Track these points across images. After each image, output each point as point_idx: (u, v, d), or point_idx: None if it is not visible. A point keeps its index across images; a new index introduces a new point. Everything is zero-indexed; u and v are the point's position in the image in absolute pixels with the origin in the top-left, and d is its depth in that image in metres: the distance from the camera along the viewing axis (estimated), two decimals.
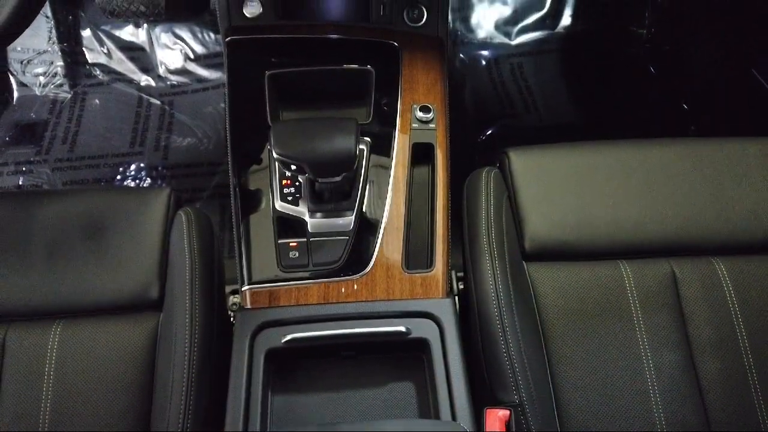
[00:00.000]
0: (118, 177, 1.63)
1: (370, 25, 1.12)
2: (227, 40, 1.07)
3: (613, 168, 1.00)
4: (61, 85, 1.75)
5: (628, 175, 0.99)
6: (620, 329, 0.89)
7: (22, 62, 1.73)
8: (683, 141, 1.04)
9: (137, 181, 1.63)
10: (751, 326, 0.89)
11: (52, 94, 1.75)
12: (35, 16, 0.72)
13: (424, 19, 1.12)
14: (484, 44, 1.88)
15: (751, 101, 1.48)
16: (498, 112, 1.77)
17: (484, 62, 1.87)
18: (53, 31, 1.73)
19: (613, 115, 1.74)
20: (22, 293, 0.88)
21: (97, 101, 1.75)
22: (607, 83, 1.83)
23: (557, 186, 0.98)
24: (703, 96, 1.67)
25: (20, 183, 1.61)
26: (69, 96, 1.75)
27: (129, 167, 1.64)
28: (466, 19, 1.89)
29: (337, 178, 0.88)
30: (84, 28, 1.76)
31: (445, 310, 0.87)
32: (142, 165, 1.65)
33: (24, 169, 1.63)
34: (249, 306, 0.88)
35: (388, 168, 0.98)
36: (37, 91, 1.74)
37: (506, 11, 1.90)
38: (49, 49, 1.73)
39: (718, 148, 1.01)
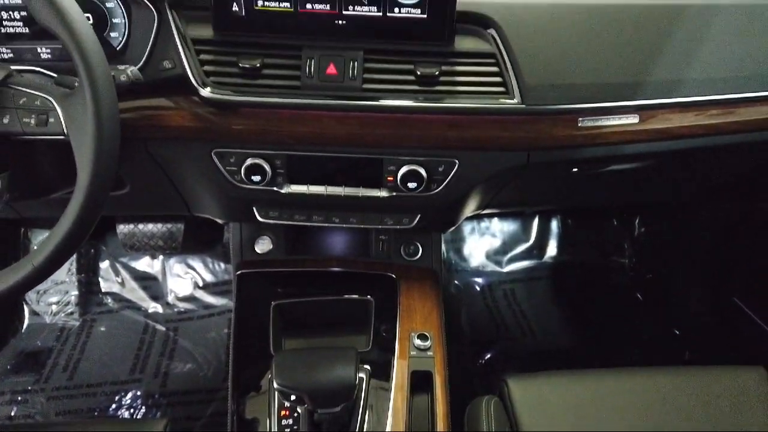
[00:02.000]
0: (114, 406, 1.60)
1: (370, 259, 1.22)
2: (238, 273, 1.16)
3: (614, 398, 1.00)
4: (71, 313, 1.81)
5: (629, 405, 0.99)
6: None
7: (38, 292, 1.82)
8: (680, 370, 1.06)
9: (132, 410, 1.59)
10: None
11: (61, 322, 1.80)
12: (70, 257, 0.80)
13: (419, 254, 1.22)
14: (477, 272, 2.01)
15: (737, 328, 1.53)
16: (495, 336, 1.81)
17: (478, 288, 1.97)
18: (73, 263, 1.85)
19: (607, 340, 1.78)
20: None
21: (103, 328, 1.80)
22: (598, 309, 1.90)
23: (559, 417, 0.97)
24: (692, 322, 1.72)
25: (12, 414, 1.57)
26: (77, 324, 1.80)
27: (126, 395, 1.62)
28: (459, 250, 2.04)
29: (337, 409, 0.88)
30: (103, 260, 1.89)
31: None
32: (138, 393, 1.62)
33: (19, 398, 1.60)
34: None
35: (387, 396, 0.99)
36: (48, 319, 1.80)
37: (496, 242, 2.06)
38: (67, 279, 1.84)
39: (715, 378, 1.03)
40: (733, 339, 1.55)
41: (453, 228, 1.26)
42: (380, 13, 0.89)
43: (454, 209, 1.10)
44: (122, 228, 1.64)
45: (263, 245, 1.20)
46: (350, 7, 0.89)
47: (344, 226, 1.09)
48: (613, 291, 1.93)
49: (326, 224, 1.08)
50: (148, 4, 0.93)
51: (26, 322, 1.80)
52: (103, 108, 0.73)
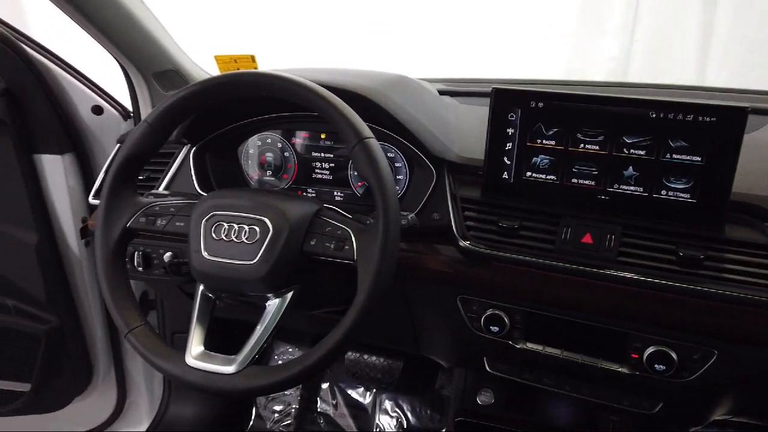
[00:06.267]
0: None
1: None
2: (457, 420, 1.17)
3: None
4: (288, 425, 1.96)
5: None
6: None
7: (268, 398, 2.02)
8: None
9: None
10: None
11: (278, 431, 1.96)
12: (330, 365, 0.91)
13: None
14: None
15: None
16: None
17: None
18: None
19: None
20: None
21: None
22: None
23: None
24: None
25: None
26: None
27: None
28: None
29: None
30: (325, 382, 2.04)
31: None
32: None
33: None
34: None
35: None
36: (268, 425, 1.97)
37: None
38: (292, 392, 2.01)
39: None
40: None
41: (698, 429, 1.12)
42: (645, 193, 0.92)
43: (704, 405, 0.99)
44: (350, 355, 1.78)
45: (486, 397, 1.20)
46: (615, 185, 0.94)
47: (574, 395, 1.05)
48: None
49: (555, 389, 1.06)
50: (431, 167, 1.10)
51: (251, 422, 1.98)
52: (389, 244, 0.86)
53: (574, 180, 0.97)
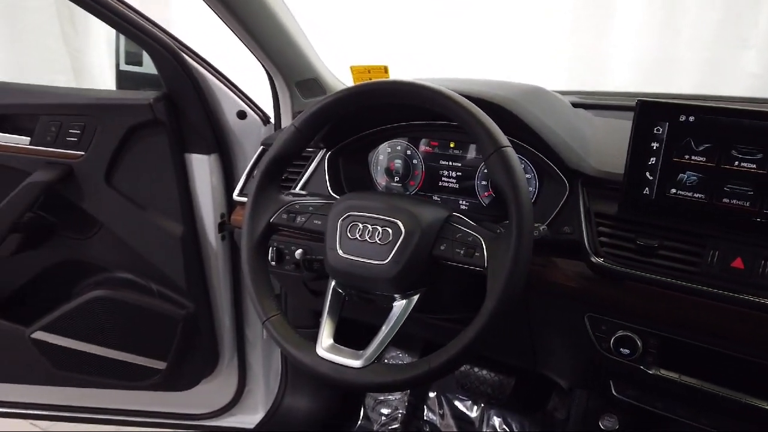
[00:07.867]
0: None
1: None
2: None
3: None
4: (395, 429, 1.98)
5: None
6: None
7: (376, 400, 2.05)
8: None
9: None
10: None
11: None
12: (455, 371, 0.91)
13: None
14: None
15: None
16: None
17: None
18: None
19: None
20: None
21: None
22: None
23: None
24: None
25: None
26: None
27: None
28: None
29: None
30: (432, 390, 2.04)
31: None
32: None
33: None
34: None
35: None
36: (375, 427, 2.00)
37: None
38: (400, 397, 2.03)
39: None
40: None
41: None
42: None
43: None
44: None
45: (609, 423, 1.15)
46: None
47: (712, 431, 0.98)
48: None
49: (692, 422, 0.99)
50: (564, 179, 1.07)
51: (359, 423, 2.03)
52: (522, 253, 0.85)
53: (726, 200, 0.91)
